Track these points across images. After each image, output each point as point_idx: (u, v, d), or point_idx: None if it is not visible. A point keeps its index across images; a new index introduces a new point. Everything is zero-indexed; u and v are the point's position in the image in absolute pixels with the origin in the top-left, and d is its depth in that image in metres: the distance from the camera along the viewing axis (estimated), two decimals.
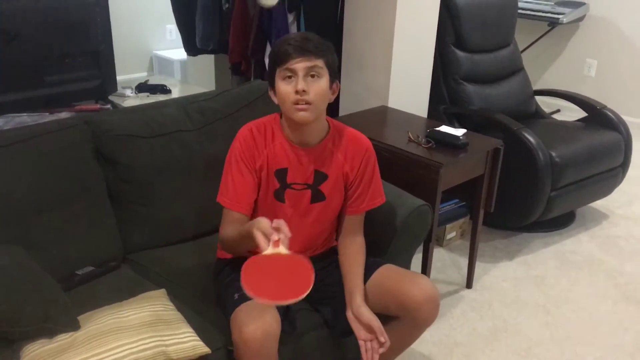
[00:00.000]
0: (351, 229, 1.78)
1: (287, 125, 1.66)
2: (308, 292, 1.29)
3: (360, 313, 1.62)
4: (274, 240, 1.37)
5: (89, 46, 2.27)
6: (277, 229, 1.38)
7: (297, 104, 1.54)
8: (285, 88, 1.55)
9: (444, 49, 2.97)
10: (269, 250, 1.36)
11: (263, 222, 1.41)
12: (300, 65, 1.53)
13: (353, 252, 1.75)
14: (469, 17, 2.99)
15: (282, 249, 1.36)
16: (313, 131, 1.66)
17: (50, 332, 1.41)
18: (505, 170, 2.40)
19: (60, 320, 1.43)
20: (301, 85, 1.52)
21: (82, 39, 2.23)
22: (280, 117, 1.69)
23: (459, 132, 2.23)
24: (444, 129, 2.26)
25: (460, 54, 3.01)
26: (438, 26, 2.78)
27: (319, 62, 1.54)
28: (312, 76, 1.54)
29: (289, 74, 1.54)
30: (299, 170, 1.69)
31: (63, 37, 2.18)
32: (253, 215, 1.70)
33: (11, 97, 2.14)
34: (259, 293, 1.27)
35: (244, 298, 1.55)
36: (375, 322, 1.60)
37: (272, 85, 1.61)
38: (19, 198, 1.71)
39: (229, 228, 1.64)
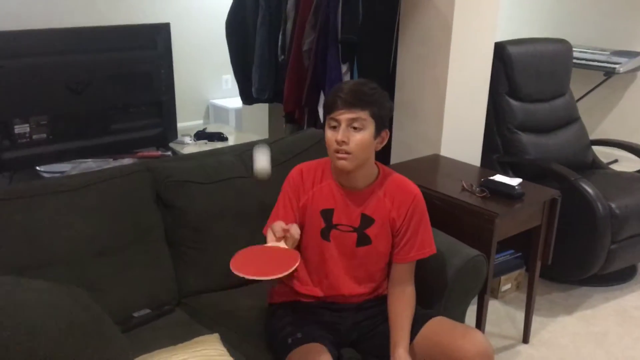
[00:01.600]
0: (400, 278, 1.76)
1: (334, 170, 1.72)
2: (287, 272, 1.39)
3: None
4: (278, 235, 1.51)
5: (152, 96, 2.39)
6: (287, 230, 1.51)
7: (338, 152, 1.61)
8: (329, 136, 1.63)
9: (497, 98, 2.96)
10: (270, 243, 1.51)
11: (277, 223, 1.55)
12: (343, 117, 1.59)
13: (402, 303, 1.72)
14: (523, 67, 2.99)
15: (281, 244, 1.50)
16: (359, 177, 1.70)
17: None
18: (563, 222, 2.34)
19: None
20: (341, 136, 1.59)
21: (146, 89, 2.35)
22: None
23: (515, 181, 2.20)
24: (499, 178, 2.24)
25: (514, 103, 2.99)
26: (491, 76, 2.78)
27: (363, 114, 1.59)
28: (355, 128, 1.59)
29: (334, 124, 1.62)
30: (345, 212, 1.72)
31: (128, 88, 2.30)
32: (302, 252, 1.74)
33: (79, 144, 2.26)
34: (237, 267, 1.40)
35: (297, 342, 1.58)
36: None
37: (324, 129, 1.68)
38: (82, 240, 1.78)
39: None
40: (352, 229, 1.72)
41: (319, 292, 1.77)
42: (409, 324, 1.68)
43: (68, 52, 2.14)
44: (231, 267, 1.41)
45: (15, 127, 2.09)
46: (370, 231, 1.72)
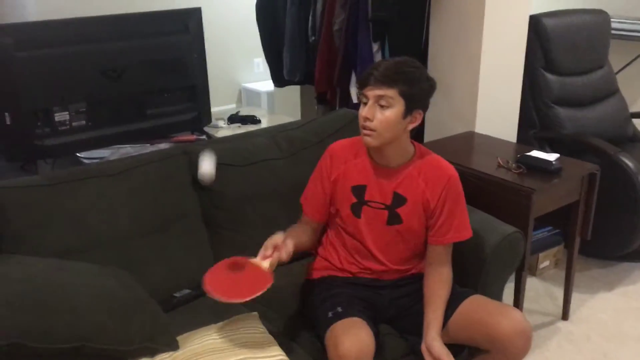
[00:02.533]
0: (436, 259, 1.75)
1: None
2: (246, 299, 1.45)
3: (432, 346, 1.59)
4: (265, 254, 1.56)
5: (186, 81, 2.41)
6: (279, 248, 1.56)
7: (364, 128, 1.64)
8: (360, 111, 1.65)
9: (533, 73, 2.90)
10: (254, 259, 1.56)
11: (275, 237, 1.60)
12: (370, 93, 1.61)
13: (436, 284, 1.72)
14: (559, 40, 2.92)
15: (265, 263, 1.55)
16: (392, 155, 1.71)
17: (151, 351, 1.48)
18: (602, 197, 2.30)
19: (162, 340, 1.50)
20: (365, 112, 1.62)
21: (180, 74, 2.38)
22: None
23: (552, 156, 2.17)
24: (536, 153, 2.20)
25: (550, 77, 2.93)
26: (526, 50, 2.73)
27: (391, 92, 1.58)
28: (382, 105, 1.60)
29: (365, 100, 1.63)
30: (378, 189, 1.73)
31: (163, 73, 2.33)
32: (336, 222, 1.81)
33: (116, 129, 2.30)
34: (206, 283, 1.48)
35: (339, 316, 1.60)
36: (445, 358, 1.56)
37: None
38: (123, 223, 1.82)
39: (297, 225, 1.83)
40: (383, 206, 1.73)
41: (354, 268, 1.79)
42: (443, 305, 1.67)
43: (104, 39, 2.17)
44: (203, 282, 1.49)
45: (56, 115, 2.14)
46: (402, 210, 1.72)
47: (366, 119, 1.61)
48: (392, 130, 1.62)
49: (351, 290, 1.76)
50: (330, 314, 1.62)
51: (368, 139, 1.64)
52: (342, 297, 1.71)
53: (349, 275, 1.81)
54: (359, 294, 1.76)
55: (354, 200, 1.74)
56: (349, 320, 1.58)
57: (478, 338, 1.62)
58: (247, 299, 1.45)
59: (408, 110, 1.62)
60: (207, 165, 1.89)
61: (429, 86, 1.66)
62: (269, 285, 1.48)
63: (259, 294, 1.46)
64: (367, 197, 1.74)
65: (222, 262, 1.56)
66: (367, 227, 1.74)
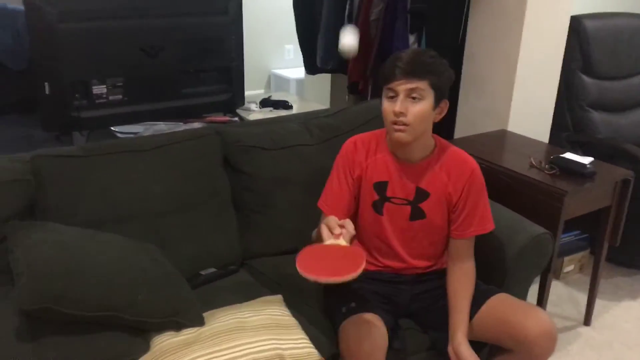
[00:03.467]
0: (459, 253, 1.73)
1: (390, 141, 1.69)
2: (355, 275, 1.32)
3: (459, 351, 1.58)
4: (336, 233, 1.44)
5: (222, 62, 2.42)
6: (342, 226, 1.45)
7: (395, 124, 1.57)
8: (387, 107, 1.58)
9: (570, 75, 2.86)
10: (329, 241, 1.43)
11: (331, 218, 1.48)
12: (401, 87, 1.55)
13: (460, 280, 1.70)
14: (599, 43, 2.87)
15: (342, 241, 1.43)
16: (415, 149, 1.67)
17: (178, 325, 1.50)
18: (634, 204, 2.26)
19: (188, 315, 1.52)
20: (399, 107, 1.55)
21: (216, 55, 2.39)
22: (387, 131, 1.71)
23: (586, 160, 2.14)
24: (569, 156, 2.17)
25: (587, 80, 2.89)
26: (565, 51, 2.68)
27: (422, 84, 1.54)
28: (414, 98, 1.55)
29: (392, 94, 1.57)
30: (400, 184, 1.69)
31: (200, 53, 2.34)
32: (356, 225, 1.71)
33: (151, 106, 2.33)
34: (308, 270, 1.32)
35: (352, 311, 1.59)
36: None
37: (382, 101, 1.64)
38: (155, 199, 1.84)
39: (314, 232, 1.69)
40: (406, 202, 1.70)
41: (373, 267, 1.78)
42: (468, 305, 1.66)
43: (144, 15, 2.19)
44: (300, 270, 1.33)
45: (93, 87, 2.16)
46: (425, 205, 1.70)
47: (400, 113, 1.55)
48: (425, 123, 1.60)
49: (369, 285, 1.74)
50: (344, 309, 1.61)
51: (401, 135, 1.58)
52: (358, 292, 1.69)
53: (370, 270, 1.78)
54: (378, 289, 1.75)
55: (376, 197, 1.70)
56: (362, 316, 1.57)
57: (502, 337, 1.61)
58: (356, 272, 1.33)
59: (437, 101, 1.59)
60: (349, 38, 1.79)
61: (451, 75, 1.63)
62: (365, 257, 1.38)
63: (363, 265, 1.35)
64: (389, 194, 1.70)
65: (302, 252, 1.41)
66: (390, 224, 1.72)
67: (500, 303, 1.66)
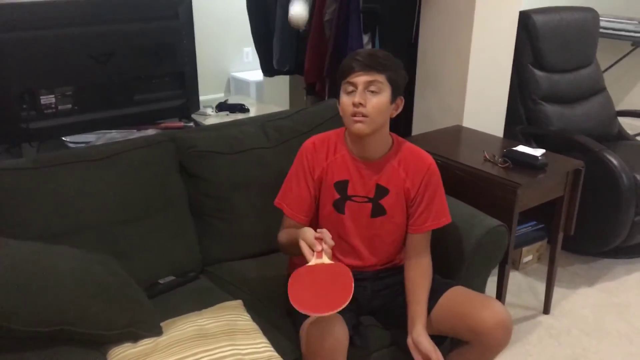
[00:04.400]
0: (416, 248, 1.76)
1: (350, 139, 1.72)
2: (346, 304, 1.35)
3: (419, 342, 1.60)
4: (317, 250, 1.46)
5: (175, 67, 2.39)
6: (320, 240, 1.47)
7: (355, 115, 1.60)
8: (345, 100, 1.62)
9: (521, 69, 2.92)
10: (312, 261, 1.45)
11: (308, 233, 1.49)
12: (360, 79, 1.59)
13: (417, 275, 1.72)
14: (548, 37, 2.94)
15: (325, 259, 1.45)
16: (374, 145, 1.70)
17: (135, 336, 1.48)
18: (586, 193, 2.32)
19: (145, 325, 1.50)
20: (358, 98, 1.58)
21: (168, 60, 2.35)
22: (345, 130, 1.74)
23: (538, 152, 2.18)
24: (522, 148, 2.22)
25: (538, 73, 2.95)
26: (516, 46, 2.74)
27: (380, 78, 1.59)
28: (372, 91, 1.59)
29: (351, 88, 1.61)
30: (360, 182, 1.72)
31: (151, 59, 2.31)
32: (316, 223, 1.76)
33: (103, 114, 2.28)
34: (303, 306, 1.34)
35: None
36: (434, 354, 1.57)
37: (339, 98, 1.67)
38: (109, 208, 1.82)
39: (285, 233, 1.72)
40: (366, 199, 1.72)
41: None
42: (426, 297, 1.68)
43: (92, 22, 2.14)
44: (298, 307, 1.34)
45: (42, 97, 2.11)
46: (385, 201, 1.72)
47: (359, 104, 1.58)
48: (383, 116, 1.63)
49: None
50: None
51: (360, 126, 1.61)
52: None
53: None
54: None
55: (337, 196, 1.72)
56: (323, 316, 1.57)
57: (459, 329, 1.64)
58: (349, 297, 1.36)
59: (394, 97, 1.64)
60: (298, 7, 1.74)
61: (405, 74, 1.68)
62: (351, 275, 1.42)
63: (353, 286, 1.38)
64: (350, 192, 1.72)
65: (291, 283, 1.40)
66: (351, 222, 1.74)
67: (456, 296, 1.69)
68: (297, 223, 1.71)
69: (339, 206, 1.73)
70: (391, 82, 1.61)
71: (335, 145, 1.74)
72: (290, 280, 1.41)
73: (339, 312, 1.56)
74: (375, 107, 1.59)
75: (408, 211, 1.76)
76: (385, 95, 1.61)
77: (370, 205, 1.73)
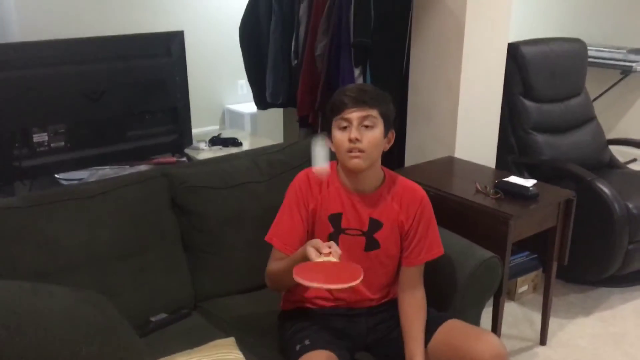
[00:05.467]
0: (410, 281, 1.75)
1: (343, 173, 1.72)
2: (359, 281, 1.36)
3: None
4: (325, 252, 1.44)
5: (167, 103, 2.42)
6: (329, 246, 1.46)
7: (351, 151, 1.61)
8: (340, 137, 1.62)
9: (512, 99, 2.95)
10: (320, 258, 1.43)
11: (316, 239, 1.50)
12: (354, 114, 1.60)
13: (413, 309, 1.71)
14: (537, 68, 2.98)
15: (332, 258, 1.43)
16: (368, 179, 1.71)
17: None
18: (580, 222, 2.33)
19: None
20: (354, 134, 1.59)
21: (161, 96, 2.38)
22: (338, 163, 1.74)
23: (529, 182, 2.19)
24: (513, 179, 2.23)
25: (528, 104, 2.98)
26: (505, 76, 2.78)
27: (373, 112, 1.61)
28: (366, 126, 1.61)
29: (345, 124, 1.62)
30: (354, 215, 1.71)
31: (144, 95, 2.33)
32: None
33: (96, 151, 2.29)
34: (310, 279, 1.34)
35: (306, 349, 1.58)
36: None
37: (330, 134, 1.67)
38: (100, 245, 1.81)
39: (275, 262, 1.69)
40: (360, 232, 1.72)
41: (326, 303, 1.77)
42: (422, 332, 1.67)
43: (84, 61, 2.18)
44: (301, 280, 1.35)
45: (34, 135, 2.12)
46: (379, 235, 1.72)
47: (356, 140, 1.59)
48: (378, 150, 1.65)
49: (323, 321, 1.73)
50: (297, 347, 1.60)
51: (358, 162, 1.62)
52: (312, 329, 1.68)
53: (324, 307, 1.78)
54: (332, 324, 1.73)
55: (331, 229, 1.71)
56: (316, 353, 1.56)
57: None
58: (357, 281, 1.36)
59: (386, 130, 1.66)
60: (321, 158, 1.77)
61: (394, 108, 1.71)
62: (362, 271, 1.40)
63: (361, 277, 1.38)
64: (344, 225, 1.71)
65: (297, 268, 1.40)
66: (345, 256, 1.68)
67: (452, 329, 1.68)
68: (286, 256, 1.67)
69: (333, 240, 1.69)
70: (383, 116, 1.63)
71: (329, 178, 1.75)
72: (295, 267, 1.40)
73: (333, 350, 1.57)
74: (371, 141, 1.61)
75: (402, 244, 1.76)
76: (379, 130, 1.63)
77: (364, 238, 1.72)
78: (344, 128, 1.62)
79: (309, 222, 1.73)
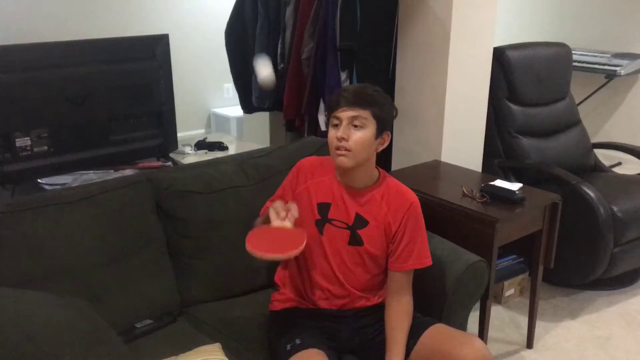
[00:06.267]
0: (397, 287, 1.75)
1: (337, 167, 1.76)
2: (298, 250, 1.55)
3: None
4: (282, 216, 1.62)
5: (152, 107, 2.40)
6: (288, 209, 1.63)
7: (338, 149, 1.65)
8: (331, 134, 1.68)
9: (497, 103, 2.97)
10: (275, 222, 1.62)
11: (278, 202, 1.68)
12: (345, 114, 1.64)
13: (397, 314, 1.72)
14: (522, 72, 2.99)
15: (287, 223, 1.62)
16: (357, 177, 1.73)
17: None
18: (565, 226, 2.34)
19: None
20: (341, 132, 1.64)
21: (146, 100, 2.36)
22: None
23: (515, 186, 2.20)
24: (499, 183, 2.24)
25: (514, 107, 3.00)
26: (491, 81, 2.79)
27: (364, 113, 1.64)
28: (356, 126, 1.64)
29: (336, 122, 1.67)
30: (342, 208, 1.74)
31: (128, 99, 2.31)
32: (303, 257, 1.78)
33: (79, 155, 2.27)
34: (255, 248, 1.54)
35: (296, 348, 1.59)
36: None
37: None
38: (84, 251, 1.79)
39: (255, 223, 1.79)
40: (345, 225, 1.74)
41: (317, 295, 1.78)
42: (405, 337, 1.68)
43: (68, 64, 2.15)
44: (249, 248, 1.54)
45: (17, 140, 2.10)
46: (363, 232, 1.73)
47: (342, 138, 1.63)
48: (366, 150, 1.66)
49: (312, 321, 1.75)
50: (288, 347, 1.62)
51: (343, 159, 1.65)
52: (302, 328, 1.70)
53: (312, 306, 1.79)
54: (321, 325, 1.75)
55: (318, 217, 1.75)
56: (307, 352, 1.58)
57: None
58: (296, 250, 1.54)
59: (379, 132, 1.67)
60: (264, 70, 1.85)
61: (394, 109, 1.75)
62: (305, 237, 1.58)
63: (302, 246, 1.55)
64: (330, 215, 1.75)
65: (251, 232, 1.62)
66: (329, 246, 1.74)
67: (437, 334, 1.69)
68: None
69: (319, 227, 1.75)
70: (376, 117, 1.65)
71: (326, 169, 1.80)
72: (250, 231, 1.61)
73: (323, 350, 1.59)
74: (357, 141, 1.64)
75: (389, 247, 1.76)
76: (369, 131, 1.65)
77: (348, 232, 1.74)
78: (336, 126, 1.66)
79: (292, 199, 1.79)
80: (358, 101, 1.64)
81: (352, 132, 1.63)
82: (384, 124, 1.69)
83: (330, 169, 1.79)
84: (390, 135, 1.73)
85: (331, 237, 1.74)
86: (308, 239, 1.71)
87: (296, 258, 1.80)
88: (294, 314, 1.78)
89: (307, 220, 1.75)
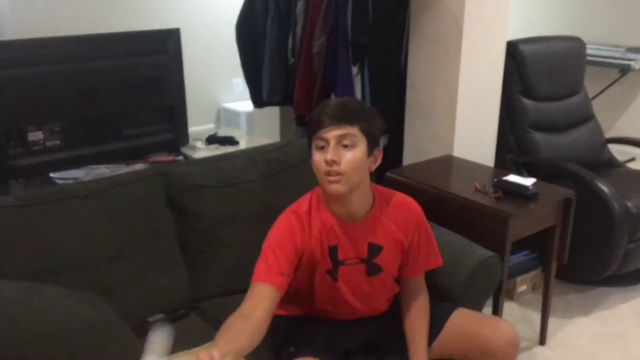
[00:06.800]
0: (412, 290, 1.72)
1: (328, 199, 1.57)
2: None
3: None
4: None
5: (163, 102, 2.40)
6: None
7: (329, 175, 1.46)
8: (318, 158, 1.48)
9: (510, 98, 2.94)
10: None
11: (204, 353, 1.24)
12: (331, 134, 1.45)
13: (417, 315, 1.68)
14: (536, 66, 2.96)
15: None
16: (354, 204, 1.56)
17: None
18: (579, 221, 2.31)
19: None
20: (331, 155, 1.44)
21: (157, 95, 2.36)
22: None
23: (528, 181, 2.18)
24: (512, 178, 2.22)
25: (527, 102, 2.97)
26: (504, 75, 2.76)
27: (353, 130, 1.46)
28: (345, 146, 1.46)
29: (322, 144, 1.47)
30: (350, 245, 1.60)
31: (140, 93, 2.31)
32: (312, 297, 1.65)
33: (91, 150, 2.28)
34: None
35: (291, 356, 1.56)
36: None
37: (310, 153, 1.53)
38: (97, 245, 1.79)
39: (241, 306, 1.46)
40: (359, 260, 1.61)
41: (325, 315, 1.73)
42: (426, 338, 1.65)
43: (80, 59, 2.16)
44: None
45: (29, 134, 2.11)
46: (380, 259, 1.63)
47: (333, 162, 1.44)
48: (360, 172, 1.49)
49: (319, 327, 1.69)
50: (292, 349, 1.60)
51: (336, 187, 1.46)
52: (303, 335, 1.66)
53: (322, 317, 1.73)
54: (328, 332, 1.69)
55: (330, 264, 1.59)
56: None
57: (469, 351, 1.62)
58: None
59: (370, 149, 1.50)
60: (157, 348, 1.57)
61: (382, 123, 1.56)
62: None
63: None
64: (341, 257, 1.59)
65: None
66: (346, 287, 1.64)
67: (463, 319, 1.68)
68: (276, 290, 1.45)
69: (332, 274, 1.61)
70: (366, 133, 1.48)
71: (317, 210, 1.58)
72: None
73: (319, 356, 1.54)
74: (350, 163, 1.45)
75: (403, 261, 1.71)
76: (360, 149, 1.47)
77: (364, 265, 1.62)
78: (322, 148, 1.47)
79: (296, 260, 1.55)
80: (344, 117, 1.44)
81: (342, 153, 1.44)
82: (375, 140, 1.51)
83: (321, 209, 1.57)
84: (382, 152, 1.55)
85: (347, 277, 1.62)
86: (320, 287, 1.61)
87: (304, 306, 1.69)
88: (299, 321, 1.73)
89: (320, 271, 1.59)
